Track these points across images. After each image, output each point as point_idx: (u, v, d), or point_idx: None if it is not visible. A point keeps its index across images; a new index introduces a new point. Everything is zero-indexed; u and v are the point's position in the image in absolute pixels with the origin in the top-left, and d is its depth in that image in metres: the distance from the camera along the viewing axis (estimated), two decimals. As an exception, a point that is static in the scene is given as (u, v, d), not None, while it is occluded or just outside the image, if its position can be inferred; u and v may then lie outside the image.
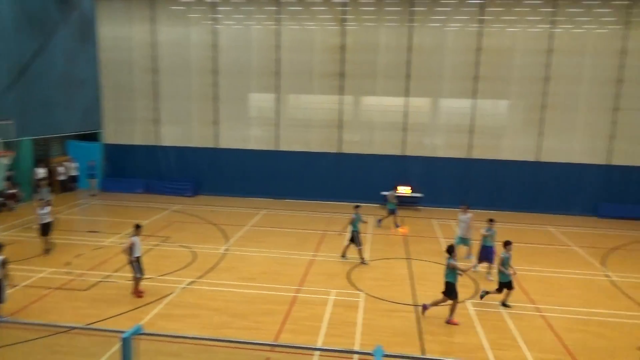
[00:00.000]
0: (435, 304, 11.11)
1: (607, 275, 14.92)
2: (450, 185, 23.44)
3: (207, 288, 12.67)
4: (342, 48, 23.03)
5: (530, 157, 23.16)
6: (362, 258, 14.84)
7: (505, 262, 11.44)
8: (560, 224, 21.39)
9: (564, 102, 22.57)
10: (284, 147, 24.17)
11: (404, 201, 22.98)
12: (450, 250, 10.87)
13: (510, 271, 11.48)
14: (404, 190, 23.07)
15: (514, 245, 13.67)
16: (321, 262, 14.88)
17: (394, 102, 23.30)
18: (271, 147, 24.19)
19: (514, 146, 23.29)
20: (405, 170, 23.80)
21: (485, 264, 13.94)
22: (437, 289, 13.21)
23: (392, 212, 18.87)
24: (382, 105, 23.42)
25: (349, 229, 14.79)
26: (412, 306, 12.01)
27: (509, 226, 19.98)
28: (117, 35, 24.66)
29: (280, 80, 23.53)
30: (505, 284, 11.58)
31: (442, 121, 23.54)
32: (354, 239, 14.60)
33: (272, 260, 15.00)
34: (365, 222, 15.34)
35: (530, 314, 11.78)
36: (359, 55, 23.05)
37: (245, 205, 22.58)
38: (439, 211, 22.43)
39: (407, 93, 23.04)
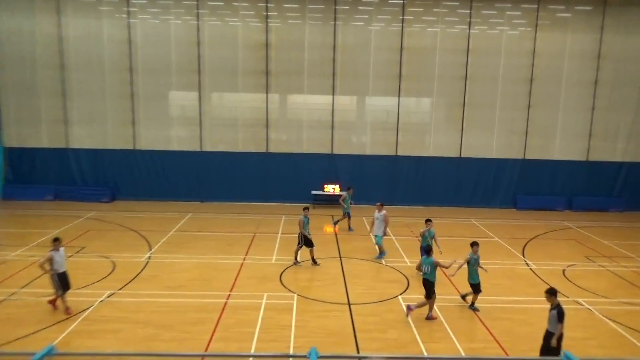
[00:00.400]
0: (421, 305, 11.25)
1: (527, 264, 15.66)
2: (378, 183, 23.68)
3: (130, 300, 12.16)
4: (267, 45, 22.91)
5: (452, 154, 24.00)
6: (296, 259, 14.94)
7: (474, 263, 11.54)
8: (482, 217, 22.22)
9: (483, 99, 23.49)
10: (208, 148, 23.65)
11: (331, 199, 23.19)
12: (428, 250, 11.33)
13: (484, 268, 11.58)
14: (332, 188, 23.40)
15: (442, 241, 14.27)
16: (252, 266, 14.74)
17: (321, 100, 23.41)
18: (195, 148, 23.59)
19: (438, 143, 24.01)
20: (335, 168, 23.91)
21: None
22: (370, 287, 13.43)
23: (347, 215, 18.55)
24: (309, 103, 23.51)
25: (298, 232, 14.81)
26: (346, 305, 12.07)
27: (436, 221, 19.36)
28: (18, 28, 22.96)
29: (203, 78, 23.09)
30: (475, 286, 11.66)
31: (369, 119, 23.91)
32: (304, 242, 14.62)
33: (199, 266, 14.73)
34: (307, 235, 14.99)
35: (459, 306, 12.14)
36: (284, 53, 22.97)
37: (168, 210, 22.05)
38: (367, 209, 21.70)
39: (333, 91, 23.26)
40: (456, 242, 17.20)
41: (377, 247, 15.33)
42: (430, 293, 11.11)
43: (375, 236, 15.20)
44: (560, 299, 9.22)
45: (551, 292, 8.84)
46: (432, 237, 13.70)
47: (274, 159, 23.89)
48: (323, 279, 13.83)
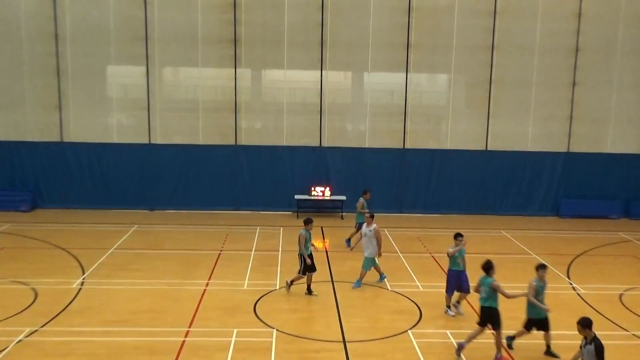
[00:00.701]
0: (471, 338, 11.39)
1: (573, 288, 15.70)
2: (381, 184, 23.55)
3: (57, 339, 12.00)
4: (235, 5, 22.88)
5: (476, 146, 24.18)
6: (290, 282, 14.94)
7: (540, 292, 11.51)
8: (516, 227, 22.35)
9: (514, 76, 23.62)
10: (159, 140, 23.65)
11: (320, 206, 23.39)
12: (489, 267, 11.24)
13: (545, 306, 11.53)
14: (320, 191, 23.43)
15: (467, 259, 13.96)
16: (217, 293, 14.76)
17: (307, 78, 23.51)
18: (143, 140, 23.60)
19: (457, 132, 24.17)
20: (325, 166, 24.05)
21: (457, 295, 13.77)
22: (372, 319, 13.33)
23: (359, 227, 17.97)
24: (291, 81, 23.72)
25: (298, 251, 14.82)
26: (340, 343, 12.01)
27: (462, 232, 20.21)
28: None
29: (152, 49, 23.01)
30: (538, 322, 11.57)
31: (368, 101, 24.07)
32: (305, 266, 14.60)
33: (149, 294, 14.67)
34: (316, 248, 15.22)
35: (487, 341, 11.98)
36: (258, 15, 22.93)
37: (107, 221, 22.15)
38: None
39: (322, 65, 23.28)
40: (481, 260, 16.69)
41: (363, 272, 15.42)
42: (494, 322, 11.19)
43: (365, 259, 15.26)
44: (617, 332, 9.13)
45: (585, 324, 8.89)
46: (463, 258, 13.68)
47: (246, 155, 23.84)
48: (310, 310, 13.82)
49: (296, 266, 14.95)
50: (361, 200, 18.84)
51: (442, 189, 24.28)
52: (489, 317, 11.20)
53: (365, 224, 15.20)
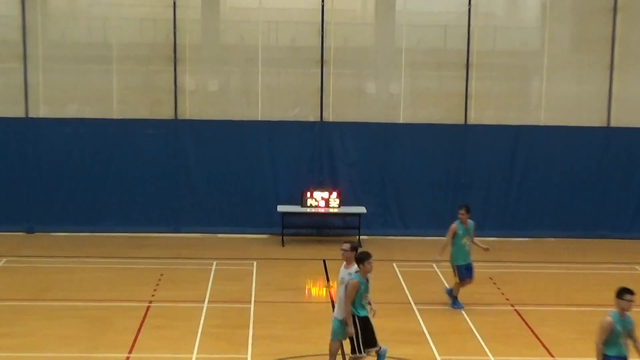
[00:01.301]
0: None
1: None
2: (426, 187, 19.57)
3: None
4: None
5: (591, 120, 19.84)
6: None
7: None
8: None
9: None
10: (44, 112, 19.50)
11: (320, 225, 19.69)
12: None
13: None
14: (322, 199, 19.24)
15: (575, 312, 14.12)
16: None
17: (298, 3, 20.12)
18: (15, 112, 19.33)
19: (556, 96, 19.86)
20: (329, 156, 19.80)
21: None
22: None
23: (465, 271, 15.15)
24: (271, 10, 19.63)
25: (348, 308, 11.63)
26: None
27: (557, 269, 17.97)
28: None
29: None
30: None
31: (404, 45, 19.66)
32: (363, 337, 11.56)
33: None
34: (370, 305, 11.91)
35: None
36: None
37: None
38: (404, 242, 19.12)
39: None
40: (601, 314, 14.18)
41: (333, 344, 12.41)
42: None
43: (334, 320, 12.01)
44: None
45: None
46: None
47: (193, 136, 19.60)
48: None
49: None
50: (454, 225, 14.99)
51: (529, 194, 19.58)
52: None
53: (342, 262, 11.90)
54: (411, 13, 19.74)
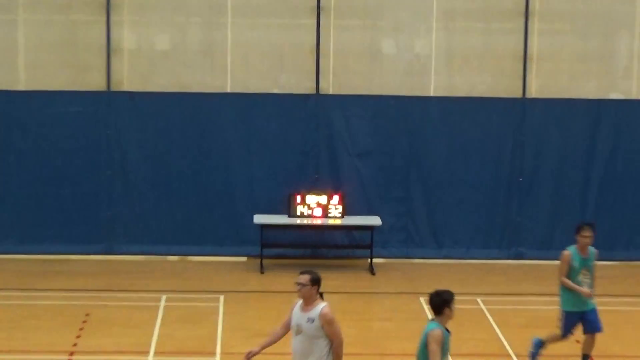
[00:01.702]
0: None
1: None
2: (464, 189, 16.61)
3: None
4: None
5: None
6: None
7: None
8: None
9: None
10: None
11: (318, 241, 17.06)
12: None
13: None
14: (318, 206, 16.42)
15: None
16: None
17: None
18: None
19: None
20: (328, 143, 16.68)
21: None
22: None
23: (576, 324, 12.12)
24: None
25: None
26: None
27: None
28: None
29: None
30: None
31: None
32: None
33: None
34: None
35: None
36: None
37: None
38: (436, 268, 16.66)
39: None
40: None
41: None
42: None
43: None
44: None
45: None
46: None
47: (133, 114, 16.37)
48: None
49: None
50: (567, 252, 11.93)
51: (616, 198, 16.25)
52: None
53: (302, 302, 9.35)
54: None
